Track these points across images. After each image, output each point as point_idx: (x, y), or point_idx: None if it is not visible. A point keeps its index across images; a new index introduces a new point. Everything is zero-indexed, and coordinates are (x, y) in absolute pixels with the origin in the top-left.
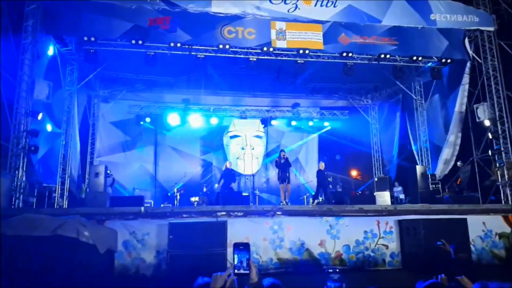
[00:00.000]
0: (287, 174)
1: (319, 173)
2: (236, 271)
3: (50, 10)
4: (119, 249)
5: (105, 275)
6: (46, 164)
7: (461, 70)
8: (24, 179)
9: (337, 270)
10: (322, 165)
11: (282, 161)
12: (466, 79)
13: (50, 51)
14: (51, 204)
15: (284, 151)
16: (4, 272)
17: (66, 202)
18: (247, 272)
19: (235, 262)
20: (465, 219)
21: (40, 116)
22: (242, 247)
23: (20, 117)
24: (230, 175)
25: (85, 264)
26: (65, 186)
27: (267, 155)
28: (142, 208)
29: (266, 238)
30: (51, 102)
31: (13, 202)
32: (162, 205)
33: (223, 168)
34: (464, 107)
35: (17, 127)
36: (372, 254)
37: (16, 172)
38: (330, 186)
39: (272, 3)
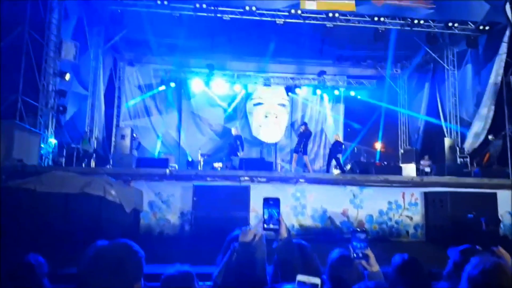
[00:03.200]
0: (300, 146)
1: (332, 145)
2: (265, 225)
3: None
4: (145, 209)
5: (131, 234)
6: (74, 126)
7: (499, 39)
8: (53, 138)
9: (364, 229)
10: (336, 137)
11: (301, 131)
12: (504, 48)
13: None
14: (79, 165)
15: (304, 124)
16: (34, 226)
17: (94, 163)
18: (277, 227)
19: (265, 217)
20: (495, 194)
21: (67, 77)
22: (272, 202)
23: (49, 77)
24: (235, 142)
25: (111, 222)
26: (93, 147)
27: (291, 124)
28: (168, 170)
29: (289, 204)
30: (79, 64)
31: (42, 161)
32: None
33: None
34: (499, 79)
35: (45, 87)
36: (395, 225)
37: (46, 131)
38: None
39: None
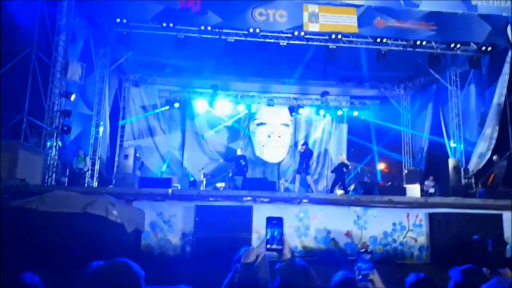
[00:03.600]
0: (303, 166)
1: (337, 166)
2: (268, 246)
3: None
4: (146, 230)
5: (132, 254)
6: (78, 146)
7: (502, 59)
8: (57, 158)
9: (369, 250)
10: (341, 158)
11: (302, 151)
12: (506, 69)
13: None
14: (82, 185)
15: (305, 145)
16: (36, 245)
17: (96, 183)
18: (280, 248)
19: (268, 237)
20: (501, 215)
21: (73, 97)
22: (275, 221)
23: (54, 97)
24: (240, 163)
25: (112, 242)
26: (95, 167)
27: (294, 144)
28: (170, 190)
29: (292, 225)
30: (84, 84)
31: (46, 181)
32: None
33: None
34: (503, 99)
35: (51, 107)
36: (400, 247)
37: (50, 151)
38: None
39: None
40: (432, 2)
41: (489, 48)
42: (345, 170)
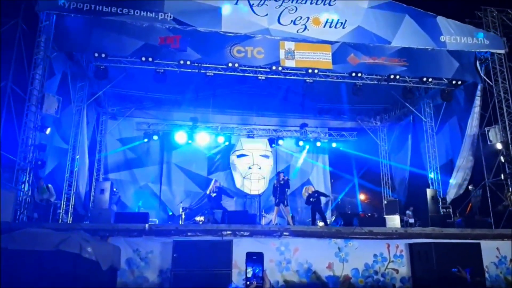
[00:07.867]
0: (285, 196)
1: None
2: (248, 283)
3: (62, 27)
4: (122, 267)
5: None
6: (53, 180)
7: (474, 92)
8: (29, 193)
9: None
10: (309, 189)
11: (282, 182)
12: (477, 101)
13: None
14: (56, 220)
15: (283, 172)
16: (5, 286)
17: (71, 219)
18: (260, 285)
19: (248, 275)
20: (479, 244)
21: (48, 131)
22: (256, 257)
23: (28, 131)
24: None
25: (87, 280)
26: (70, 202)
27: (276, 175)
28: (147, 225)
29: (273, 259)
30: (61, 118)
31: (17, 218)
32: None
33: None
34: (475, 130)
35: (24, 141)
36: (381, 278)
37: (22, 186)
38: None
39: (281, 24)
40: (403, 39)
41: (459, 82)
42: (311, 200)
